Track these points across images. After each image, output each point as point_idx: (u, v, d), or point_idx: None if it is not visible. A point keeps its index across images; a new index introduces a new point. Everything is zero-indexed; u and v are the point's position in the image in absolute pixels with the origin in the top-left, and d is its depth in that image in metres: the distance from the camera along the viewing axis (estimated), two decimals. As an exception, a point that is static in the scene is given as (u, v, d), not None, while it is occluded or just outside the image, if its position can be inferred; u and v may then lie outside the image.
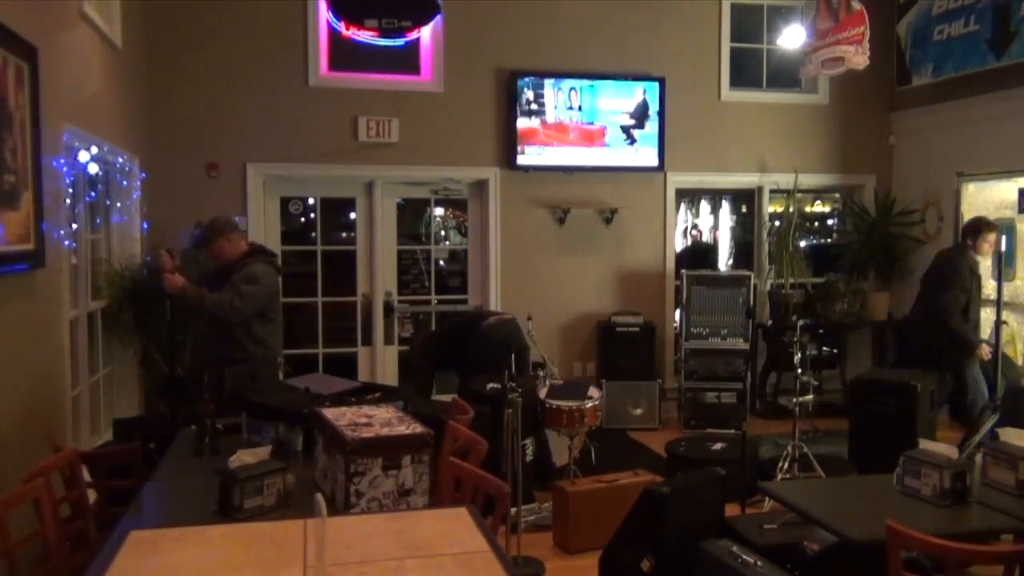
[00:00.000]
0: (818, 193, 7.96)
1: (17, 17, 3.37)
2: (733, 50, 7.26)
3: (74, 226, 4.43)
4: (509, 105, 6.70)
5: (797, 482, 4.54)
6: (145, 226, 5.66)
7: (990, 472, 3.19)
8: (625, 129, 6.89)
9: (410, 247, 7.10)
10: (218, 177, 6.26)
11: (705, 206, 8.16)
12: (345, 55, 6.44)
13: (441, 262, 7.56)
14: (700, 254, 8.02)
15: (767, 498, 4.25)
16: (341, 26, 5.97)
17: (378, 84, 6.54)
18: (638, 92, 6.88)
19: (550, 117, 6.74)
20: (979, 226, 5.58)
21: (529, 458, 4.76)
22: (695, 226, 8.30)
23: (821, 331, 7.09)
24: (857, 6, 6.44)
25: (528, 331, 5.83)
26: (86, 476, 3.25)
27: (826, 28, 6.64)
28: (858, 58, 6.45)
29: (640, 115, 6.90)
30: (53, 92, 3.81)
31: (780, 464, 4.90)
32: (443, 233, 7.53)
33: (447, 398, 5.15)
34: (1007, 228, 6.43)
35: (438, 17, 6.26)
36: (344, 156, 6.48)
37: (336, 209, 7.00)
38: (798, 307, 7.04)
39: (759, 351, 7.21)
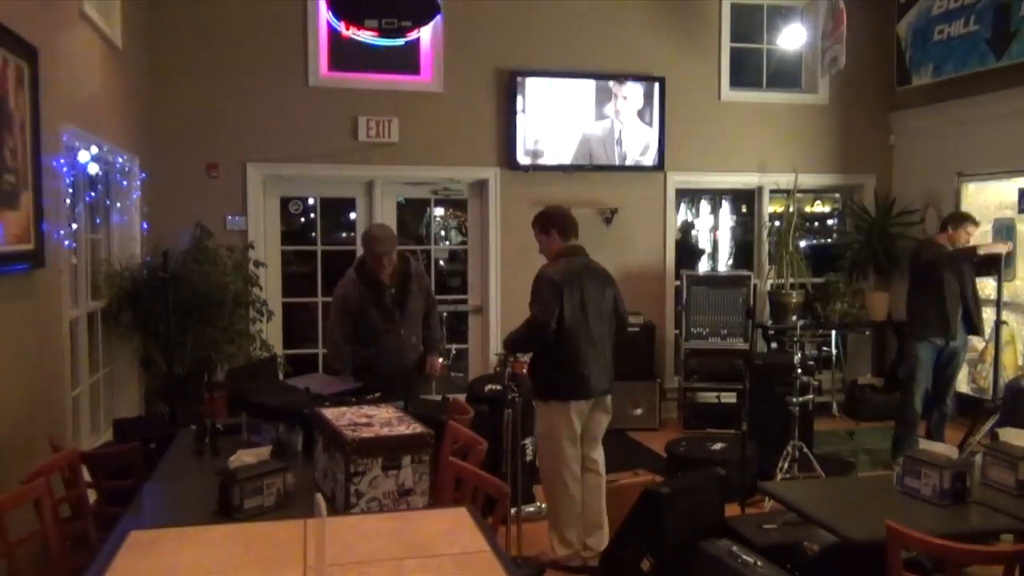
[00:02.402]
0: (818, 193, 7.96)
1: (17, 17, 3.37)
2: (733, 50, 7.26)
3: (74, 226, 4.43)
4: (509, 105, 6.70)
5: (797, 482, 4.54)
6: (145, 226, 5.66)
7: (990, 472, 3.19)
8: (626, 129, 6.89)
9: (410, 247, 7.10)
10: (218, 177, 6.26)
11: (705, 206, 8.16)
12: (345, 55, 6.44)
13: (441, 262, 7.56)
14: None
15: (767, 498, 4.25)
16: (341, 26, 5.97)
17: (378, 84, 6.54)
18: (638, 92, 6.88)
19: (550, 117, 6.74)
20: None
21: (529, 458, 4.76)
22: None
23: (821, 331, 7.09)
24: (842, 5, 6.52)
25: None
26: (86, 476, 3.25)
27: (829, 28, 6.68)
28: (842, 57, 6.52)
29: (641, 115, 6.90)
30: (53, 92, 3.81)
31: (780, 464, 4.90)
32: (443, 233, 7.54)
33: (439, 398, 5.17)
34: (1007, 228, 6.43)
35: (438, 17, 6.26)
36: (344, 156, 6.48)
37: (336, 209, 7.01)
38: (798, 307, 7.04)
39: (758, 351, 7.21)
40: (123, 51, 5.26)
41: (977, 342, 6.08)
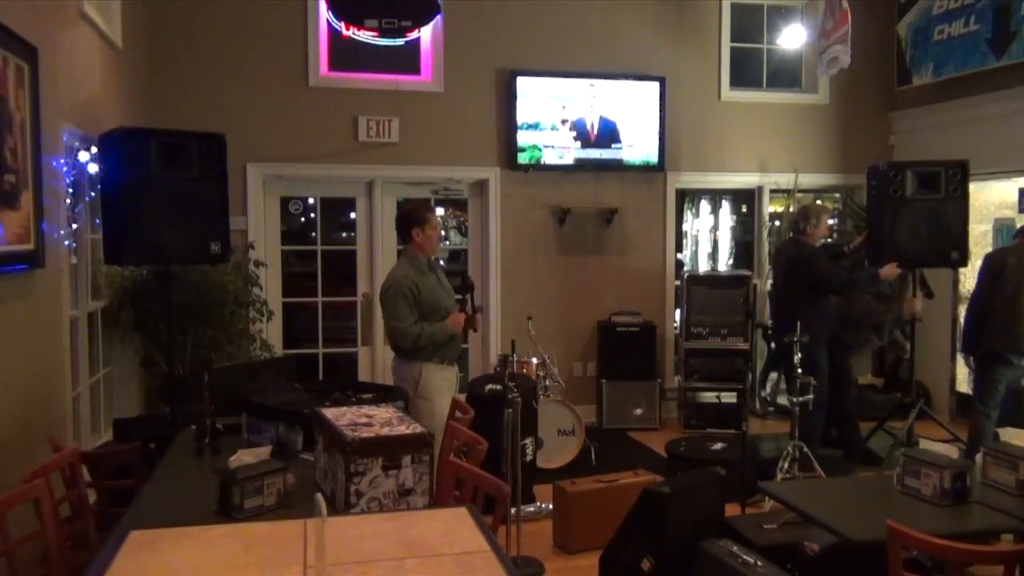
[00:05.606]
0: (818, 193, 7.95)
1: (17, 17, 3.37)
2: (733, 50, 7.26)
3: (74, 226, 4.43)
4: (509, 105, 6.70)
5: (797, 482, 4.54)
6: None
7: (990, 472, 3.19)
8: (626, 129, 6.89)
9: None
10: (218, 177, 6.25)
11: (705, 206, 8.16)
12: (345, 55, 6.44)
13: (441, 262, 7.55)
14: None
15: (767, 498, 4.24)
16: (341, 26, 5.97)
17: (378, 84, 6.54)
18: (638, 92, 6.88)
19: (550, 117, 6.74)
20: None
21: (529, 458, 4.76)
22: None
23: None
24: (845, 5, 6.51)
25: (528, 331, 5.82)
26: (86, 476, 3.25)
27: (829, 28, 6.68)
28: (845, 57, 6.52)
29: (640, 115, 6.90)
30: (53, 92, 3.81)
31: (780, 464, 4.90)
32: (443, 233, 7.54)
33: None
34: (1007, 228, 6.43)
35: (438, 17, 6.26)
36: (344, 156, 6.48)
37: (336, 209, 7.01)
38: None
39: (759, 351, 7.21)
40: (123, 51, 5.26)
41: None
